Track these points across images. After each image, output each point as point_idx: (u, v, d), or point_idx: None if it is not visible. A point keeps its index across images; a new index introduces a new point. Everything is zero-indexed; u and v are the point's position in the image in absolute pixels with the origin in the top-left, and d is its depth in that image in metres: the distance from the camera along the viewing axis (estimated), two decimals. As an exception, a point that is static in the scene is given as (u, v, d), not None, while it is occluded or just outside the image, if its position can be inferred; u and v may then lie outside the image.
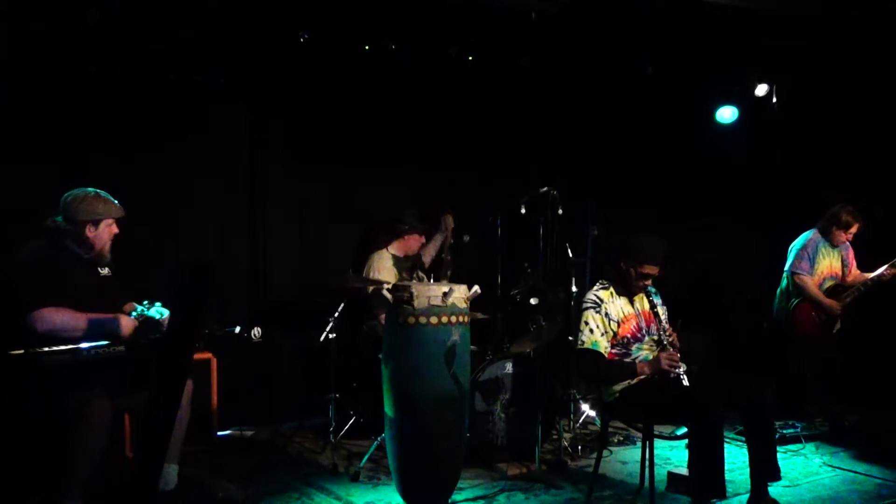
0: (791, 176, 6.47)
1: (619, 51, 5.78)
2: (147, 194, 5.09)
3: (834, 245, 5.54)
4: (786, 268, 5.58)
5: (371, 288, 5.13)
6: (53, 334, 3.46)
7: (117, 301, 3.86)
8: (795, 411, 5.31)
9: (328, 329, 4.93)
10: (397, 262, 5.38)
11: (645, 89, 6.19)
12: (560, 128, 6.37)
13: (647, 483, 3.96)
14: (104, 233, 3.73)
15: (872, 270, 5.42)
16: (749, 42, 5.60)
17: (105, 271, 3.85)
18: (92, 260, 3.75)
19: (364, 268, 5.37)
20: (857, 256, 5.62)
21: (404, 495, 3.91)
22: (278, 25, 5.08)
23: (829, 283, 5.53)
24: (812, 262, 5.47)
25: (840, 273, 5.56)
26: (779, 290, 5.66)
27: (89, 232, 3.68)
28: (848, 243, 5.59)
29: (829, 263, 5.53)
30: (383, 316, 5.07)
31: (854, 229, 5.48)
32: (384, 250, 5.42)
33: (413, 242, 5.43)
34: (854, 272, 5.59)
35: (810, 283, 5.45)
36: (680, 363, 3.84)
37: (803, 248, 5.51)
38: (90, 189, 3.73)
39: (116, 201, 3.79)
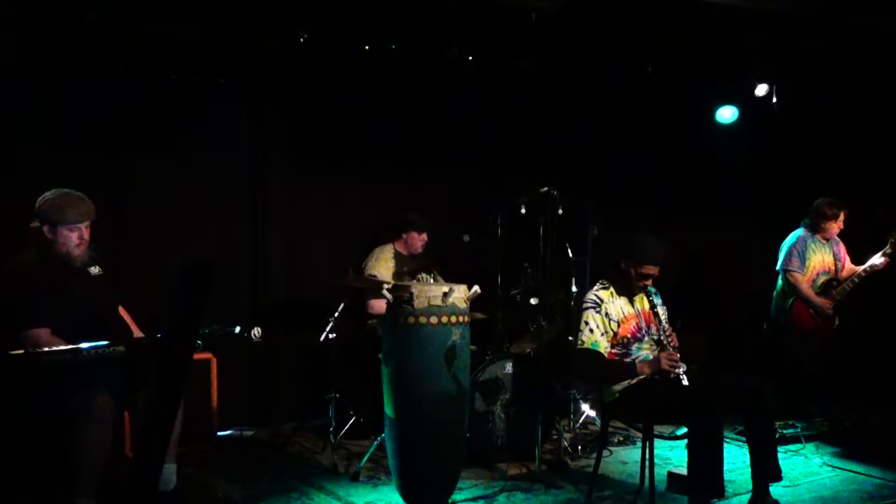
0: (791, 176, 6.47)
1: (620, 51, 5.78)
2: (147, 194, 5.11)
3: (826, 239, 5.58)
4: (777, 266, 5.61)
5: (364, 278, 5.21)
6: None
7: (109, 300, 3.85)
8: (795, 411, 5.31)
9: (328, 329, 4.93)
10: (400, 259, 5.39)
11: (645, 89, 6.19)
12: (560, 127, 6.37)
13: (647, 483, 3.96)
14: (63, 237, 3.62)
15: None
16: (749, 42, 5.60)
17: (95, 270, 3.80)
18: (64, 258, 3.66)
19: (365, 260, 5.41)
20: (859, 255, 5.62)
21: (404, 495, 3.91)
22: (278, 25, 5.08)
23: (822, 279, 5.56)
24: (802, 258, 5.51)
25: (833, 268, 5.59)
26: (775, 291, 5.67)
27: (48, 234, 3.61)
28: (838, 238, 5.63)
29: (821, 259, 5.56)
30: (373, 302, 5.11)
31: (843, 216, 5.54)
32: (389, 245, 5.45)
33: (415, 241, 5.44)
34: (848, 266, 5.63)
35: (802, 280, 5.48)
36: (680, 363, 3.84)
37: (793, 245, 5.56)
38: (59, 190, 3.65)
39: (84, 203, 3.66)
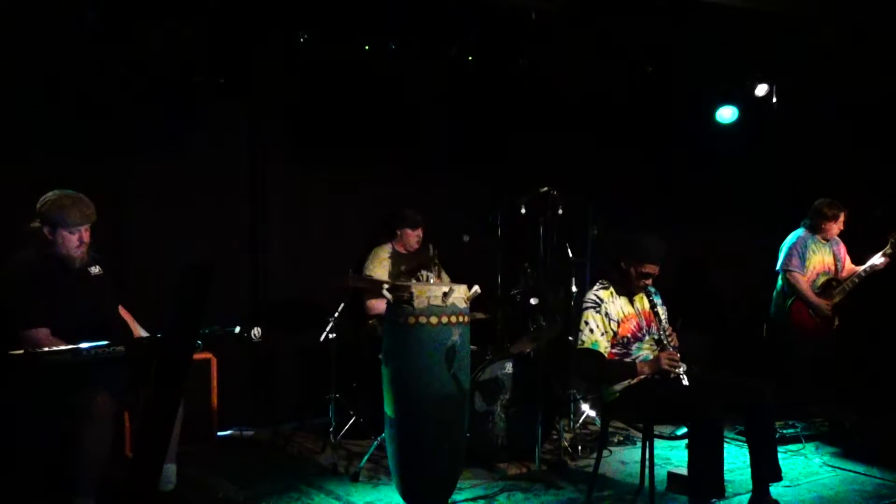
0: (791, 176, 6.47)
1: (619, 51, 5.78)
2: (147, 194, 5.10)
3: (826, 239, 5.58)
4: (777, 266, 5.62)
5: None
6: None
7: (109, 300, 3.84)
8: (795, 411, 5.31)
9: (328, 329, 4.93)
10: (398, 258, 5.39)
11: (645, 89, 6.19)
12: (560, 128, 6.37)
13: (647, 483, 3.96)
14: (63, 239, 3.61)
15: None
16: (749, 42, 5.60)
17: (96, 270, 3.81)
18: (63, 259, 3.66)
19: (364, 261, 5.44)
20: (859, 255, 5.62)
21: (404, 495, 3.91)
22: (278, 25, 5.08)
23: (822, 279, 5.57)
24: (802, 258, 5.52)
25: (833, 268, 5.60)
26: (775, 291, 5.68)
27: (48, 235, 3.61)
28: (839, 238, 5.64)
29: (821, 259, 5.57)
30: (372, 302, 5.11)
31: (843, 217, 5.56)
32: (387, 245, 5.47)
33: (409, 237, 5.44)
34: (848, 266, 5.64)
35: (802, 280, 5.49)
36: (680, 363, 3.84)
37: (793, 245, 5.57)
38: (60, 191, 3.64)
39: (86, 206, 3.64)
